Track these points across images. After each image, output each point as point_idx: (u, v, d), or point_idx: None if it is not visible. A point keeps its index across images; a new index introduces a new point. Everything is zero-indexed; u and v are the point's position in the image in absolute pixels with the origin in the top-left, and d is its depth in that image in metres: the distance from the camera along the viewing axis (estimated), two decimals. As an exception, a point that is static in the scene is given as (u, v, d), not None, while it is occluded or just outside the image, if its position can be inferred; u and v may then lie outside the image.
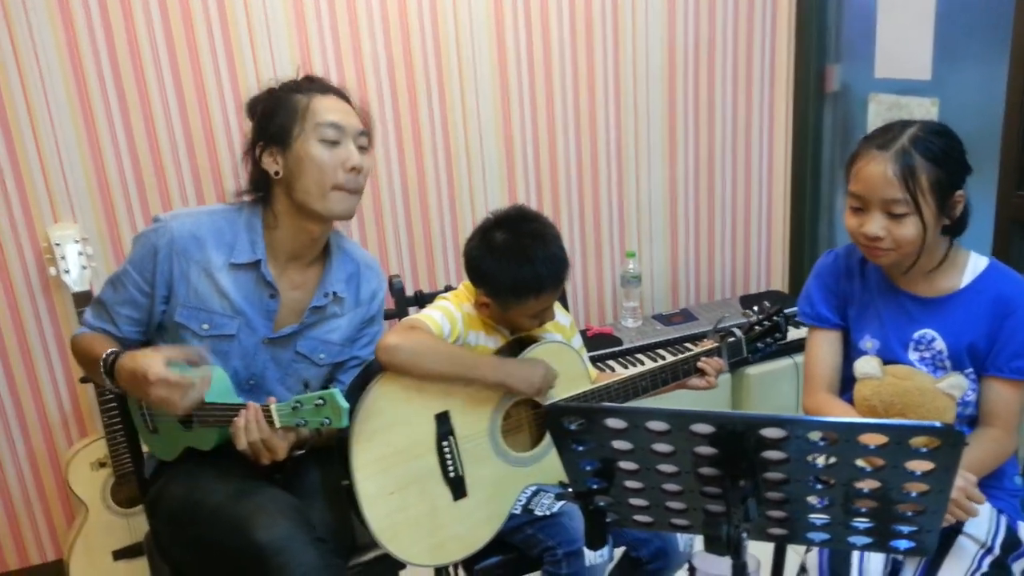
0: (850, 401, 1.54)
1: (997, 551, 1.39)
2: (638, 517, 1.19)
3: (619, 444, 1.07)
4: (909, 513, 1.02)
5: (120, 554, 2.19)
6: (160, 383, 1.32)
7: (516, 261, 1.54)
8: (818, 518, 1.08)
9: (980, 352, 1.42)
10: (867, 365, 1.45)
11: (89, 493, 2.16)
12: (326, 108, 1.50)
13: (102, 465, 2.16)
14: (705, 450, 1.03)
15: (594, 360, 2.49)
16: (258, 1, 2.18)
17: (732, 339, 1.72)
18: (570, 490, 1.18)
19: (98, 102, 2.13)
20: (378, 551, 1.55)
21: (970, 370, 1.44)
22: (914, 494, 0.99)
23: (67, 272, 2.12)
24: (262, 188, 1.55)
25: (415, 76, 2.38)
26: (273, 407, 1.38)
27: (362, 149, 1.53)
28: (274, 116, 1.49)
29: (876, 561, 1.38)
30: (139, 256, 1.51)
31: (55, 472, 2.30)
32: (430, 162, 2.46)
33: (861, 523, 1.06)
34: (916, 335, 1.45)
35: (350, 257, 1.66)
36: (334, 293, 1.60)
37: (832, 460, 0.97)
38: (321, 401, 1.35)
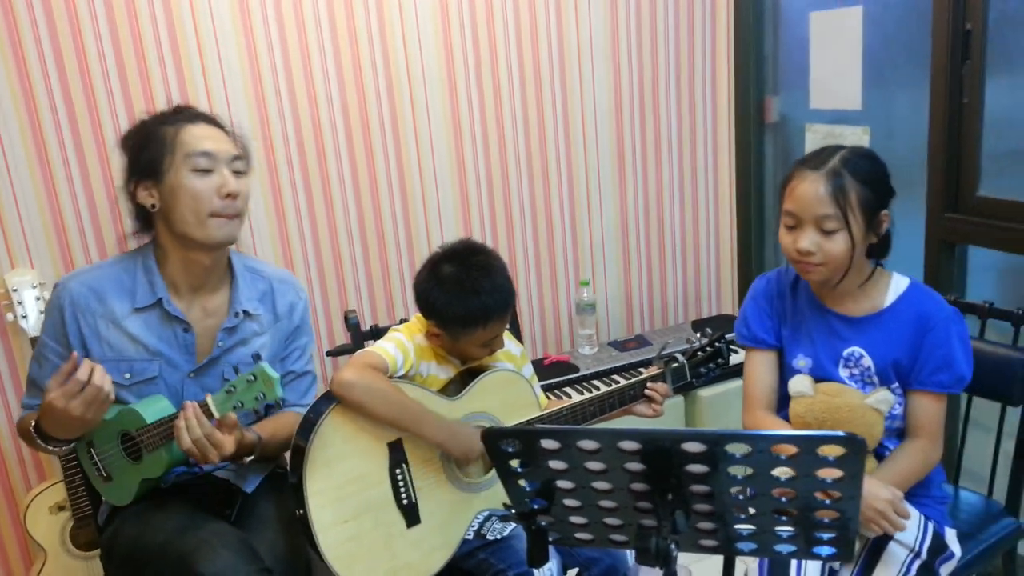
0: (787, 418, 1.61)
1: (924, 556, 1.46)
2: (579, 535, 1.24)
3: (555, 464, 1.12)
4: (826, 520, 1.08)
5: (79, 599, 2.18)
6: (68, 400, 1.38)
7: (463, 293, 1.60)
8: (744, 528, 1.14)
9: (904, 367, 1.50)
10: (800, 384, 1.52)
11: (48, 538, 2.15)
12: (195, 137, 1.53)
13: (61, 509, 2.16)
14: (634, 466, 1.09)
15: (551, 388, 2.56)
16: (211, 44, 2.24)
17: (675, 364, 1.78)
18: (513, 511, 1.22)
19: (55, 152, 2.16)
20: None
21: (896, 384, 1.52)
22: (828, 501, 1.05)
23: (24, 317, 2.13)
24: (144, 223, 1.58)
25: (369, 116, 2.45)
26: (209, 399, 1.43)
27: (238, 173, 1.57)
28: (144, 149, 1.53)
29: (814, 567, 1.44)
30: (49, 324, 1.57)
31: (12, 517, 2.29)
32: (386, 199, 2.52)
33: (784, 531, 1.13)
34: (845, 353, 1.53)
35: (260, 276, 1.70)
36: (245, 311, 1.64)
37: (750, 471, 1.03)
38: (252, 377, 1.40)
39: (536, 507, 1.20)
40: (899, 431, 1.55)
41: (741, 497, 1.08)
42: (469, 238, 1.73)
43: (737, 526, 1.14)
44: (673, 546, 1.08)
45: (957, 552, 1.52)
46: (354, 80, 2.41)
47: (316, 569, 1.61)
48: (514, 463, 1.14)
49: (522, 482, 1.17)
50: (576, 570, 1.69)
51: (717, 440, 1.01)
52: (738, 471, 1.04)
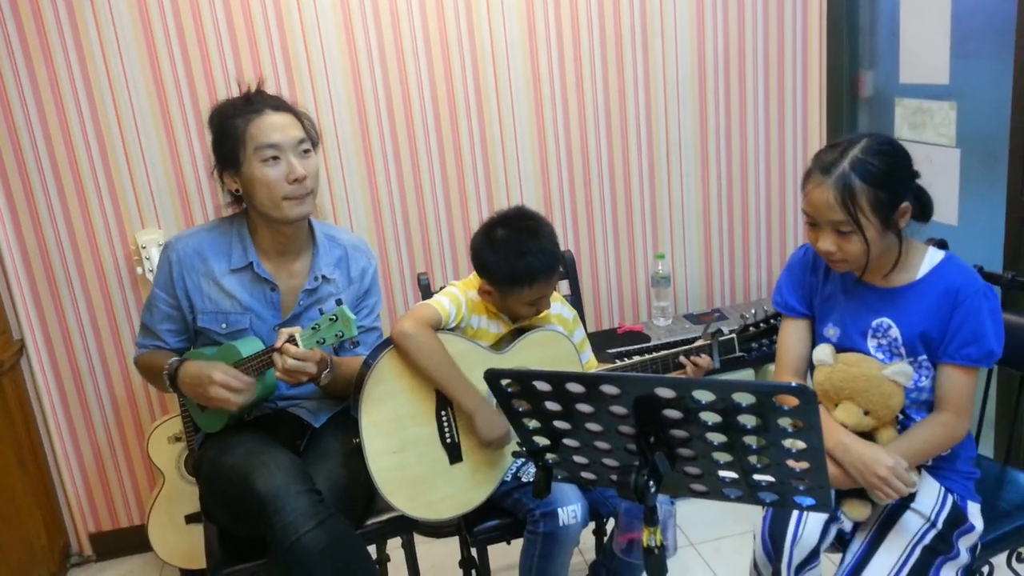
0: (817, 387, 1.65)
1: (940, 526, 1.48)
2: (584, 474, 1.36)
3: (551, 405, 1.25)
4: (798, 470, 1.15)
5: (190, 518, 2.50)
6: (220, 384, 1.64)
7: (511, 253, 1.74)
8: (727, 475, 1.23)
9: (933, 340, 1.51)
10: (821, 353, 1.57)
11: (166, 463, 2.48)
12: (261, 130, 1.72)
13: (177, 439, 2.48)
14: (619, 410, 1.20)
15: (618, 356, 2.65)
16: (312, 21, 2.46)
17: (723, 337, 1.85)
18: (524, 449, 1.36)
19: (179, 126, 2.46)
20: (394, 512, 1.77)
21: (924, 357, 1.53)
22: (794, 451, 1.12)
23: (151, 271, 2.46)
24: (234, 199, 1.81)
25: (455, 94, 2.61)
26: (297, 335, 1.65)
27: (305, 152, 1.76)
28: (222, 144, 1.75)
29: (813, 525, 1.50)
30: (160, 279, 1.83)
31: (140, 444, 2.64)
32: (469, 169, 2.69)
33: (763, 479, 1.20)
34: (874, 323, 1.56)
35: (336, 242, 1.91)
36: (323, 276, 1.86)
37: (718, 419, 1.12)
38: (334, 317, 1.61)
39: (541, 446, 1.34)
40: (928, 403, 1.56)
41: (715, 443, 1.17)
42: (522, 206, 1.87)
43: (720, 472, 1.23)
44: (652, 484, 1.19)
45: (979, 526, 1.52)
46: (440, 50, 2.57)
47: (380, 502, 1.80)
48: (516, 403, 1.28)
49: (526, 421, 1.31)
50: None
51: (684, 386, 1.11)
52: (708, 417, 1.14)
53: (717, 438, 1.17)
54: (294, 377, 1.67)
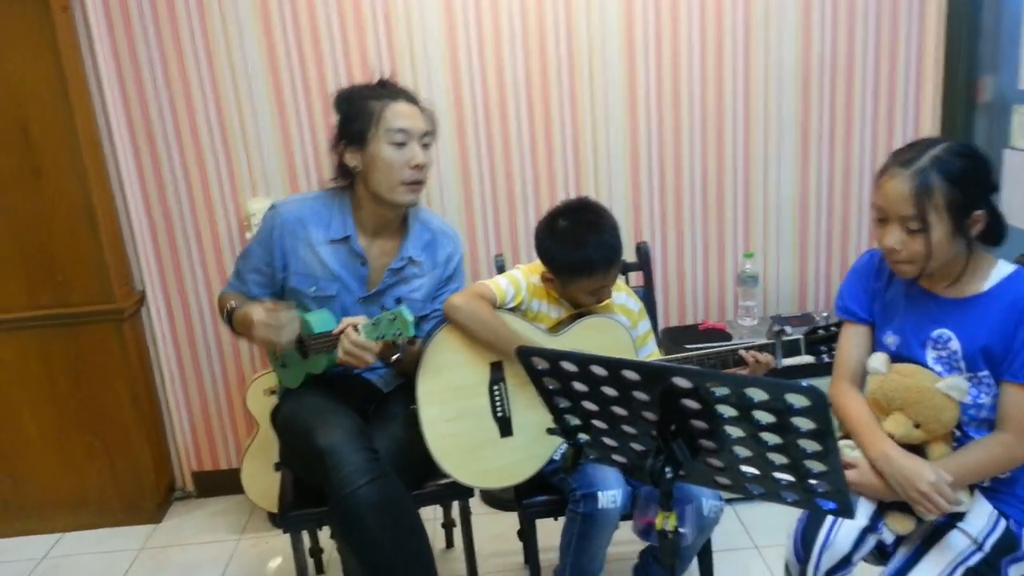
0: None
1: (987, 550, 1.43)
2: (614, 456, 1.41)
3: (578, 386, 1.30)
4: (815, 471, 1.16)
5: (278, 466, 2.68)
6: (261, 324, 1.78)
7: (571, 244, 1.80)
8: (748, 470, 1.24)
9: (995, 356, 1.46)
10: (875, 361, 1.54)
11: (260, 414, 2.68)
12: (396, 114, 1.83)
13: (272, 392, 2.67)
14: (641, 396, 1.23)
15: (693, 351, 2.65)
16: (418, 19, 2.58)
17: (787, 338, 1.83)
18: (557, 427, 1.42)
19: (290, 104, 2.64)
20: (450, 478, 1.87)
21: (985, 373, 1.48)
22: (810, 450, 1.13)
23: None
24: (344, 175, 1.92)
25: (549, 81, 2.67)
26: (360, 325, 1.77)
27: (425, 146, 1.87)
28: (354, 121, 1.86)
29: (846, 532, 1.48)
30: (260, 235, 1.97)
31: (241, 394, 2.87)
32: (559, 161, 2.74)
33: (783, 478, 1.22)
34: (934, 334, 1.52)
35: (427, 227, 2.00)
36: (410, 258, 1.96)
37: (734, 413, 1.14)
38: (393, 316, 1.72)
39: (572, 425, 1.39)
40: (988, 422, 1.50)
41: (735, 436, 1.19)
42: (586, 197, 1.92)
43: (742, 467, 1.25)
44: (668, 470, 1.22)
45: (1032, 554, 1.46)
46: (537, 39, 2.62)
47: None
48: (547, 381, 1.34)
49: (557, 399, 1.36)
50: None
51: (700, 377, 1.14)
52: (725, 411, 1.16)
53: (736, 432, 1.19)
54: (354, 361, 1.77)
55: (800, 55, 2.71)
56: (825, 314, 1.87)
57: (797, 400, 1.07)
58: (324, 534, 2.48)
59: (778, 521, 2.52)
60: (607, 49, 2.66)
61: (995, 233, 1.50)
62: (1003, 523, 1.47)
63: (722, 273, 2.90)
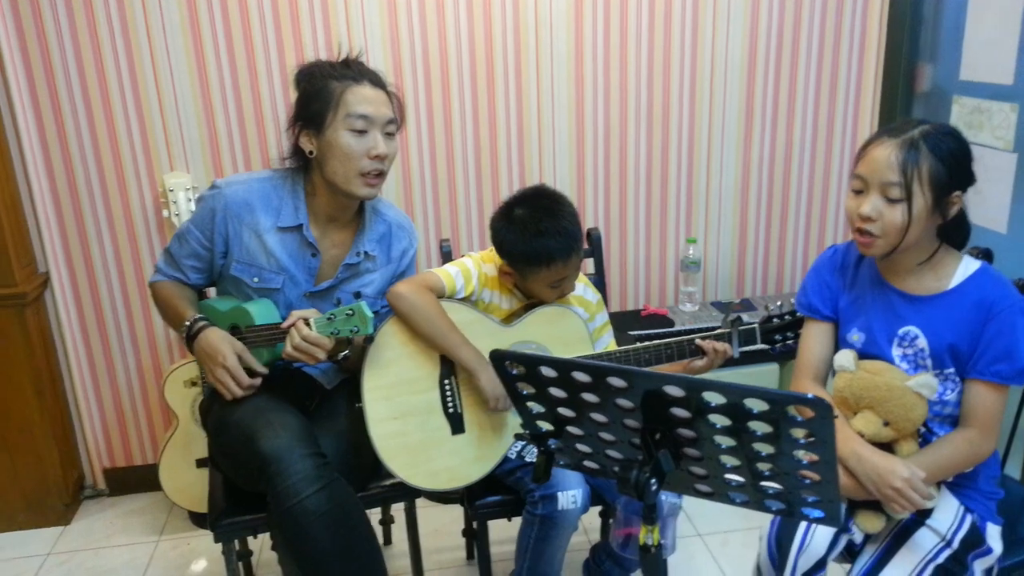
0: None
1: (956, 546, 1.43)
2: (586, 463, 1.33)
3: (556, 392, 1.21)
4: (807, 481, 1.11)
5: (201, 463, 2.52)
6: (227, 371, 1.66)
7: (529, 233, 1.70)
8: (733, 478, 1.18)
9: (961, 354, 1.45)
10: (843, 358, 1.50)
11: (180, 407, 2.49)
12: (358, 99, 1.66)
13: (193, 384, 2.49)
14: (625, 403, 1.15)
15: (640, 338, 2.60)
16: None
17: (743, 327, 1.79)
18: (527, 432, 1.32)
19: (213, 72, 2.43)
20: (397, 479, 1.76)
21: (952, 370, 1.47)
22: (805, 461, 1.07)
23: (177, 215, 2.45)
24: (299, 158, 1.76)
25: (494, 61, 2.54)
26: (312, 320, 1.62)
27: (389, 136, 1.71)
28: (312, 101, 1.68)
29: (822, 535, 1.45)
30: (200, 217, 1.78)
31: (158, 385, 2.66)
32: (503, 139, 2.63)
33: (770, 487, 1.16)
34: (900, 331, 1.49)
35: (383, 218, 1.86)
36: (366, 252, 1.81)
37: (728, 422, 1.08)
38: (351, 312, 1.58)
39: (544, 431, 1.30)
40: (952, 418, 1.49)
41: (724, 446, 1.12)
42: (543, 184, 1.82)
43: (727, 475, 1.18)
44: (653, 481, 1.15)
45: (997, 549, 1.47)
46: (482, 16, 2.50)
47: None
48: (521, 386, 1.24)
49: (531, 405, 1.27)
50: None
51: (694, 386, 1.06)
52: (718, 420, 1.09)
53: (725, 441, 1.12)
54: (302, 357, 1.64)
55: (746, 43, 2.67)
56: (780, 302, 1.84)
57: (801, 412, 1.01)
58: (255, 539, 2.33)
59: (719, 510, 2.52)
60: (554, 32, 2.55)
61: (961, 232, 1.49)
62: (969, 518, 1.47)
63: (664, 259, 2.86)
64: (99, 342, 2.62)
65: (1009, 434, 1.81)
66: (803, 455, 1.07)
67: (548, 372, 1.18)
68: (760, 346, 1.85)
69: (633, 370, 1.09)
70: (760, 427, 1.06)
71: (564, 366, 1.15)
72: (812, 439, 1.04)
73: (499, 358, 1.21)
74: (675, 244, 2.85)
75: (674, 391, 1.08)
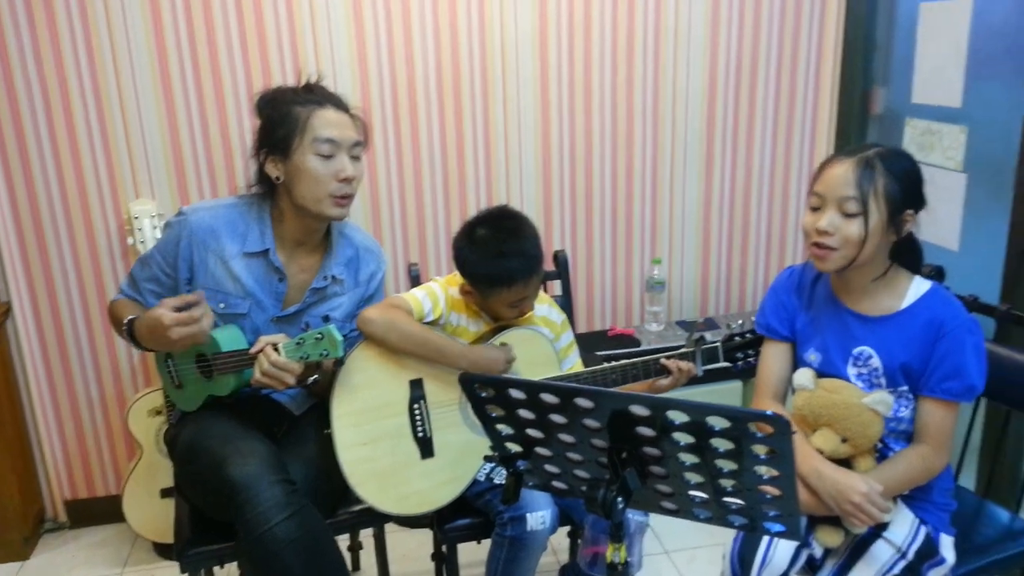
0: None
1: (911, 557, 1.47)
2: (555, 483, 1.35)
3: (524, 413, 1.23)
4: (768, 496, 1.14)
5: (166, 492, 2.49)
6: (175, 325, 1.58)
7: (490, 254, 1.72)
8: (697, 495, 1.21)
9: (914, 372, 1.49)
10: (801, 377, 1.55)
11: (145, 436, 2.47)
12: (323, 123, 1.68)
13: (157, 413, 2.46)
14: (592, 423, 1.18)
15: (607, 359, 2.63)
16: (323, 11, 2.43)
17: (706, 345, 1.83)
18: (496, 454, 1.34)
19: (179, 99, 2.43)
20: (366, 504, 1.76)
21: (905, 388, 1.51)
22: (766, 477, 1.10)
23: (142, 243, 2.44)
24: (265, 184, 1.76)
25: (461, 86, 2.58)
26: (280, 345, 1.62)
27: (355, 159, 1.72)
28: (277, 127, 1.69)
29: (783, 550, 1.48)
30: (164, 243, 1.78)
31: (121, 415, 2.63)
32: (470, 163, 2.66)
33: (733, 503, 1.19)
34: (855, 351, 1.54)
35: (350, 242, 1.87)
36: (333, 276, 1.82)
37: (691, 440, 1.10)
38: (320, 335, 1.58)
39: (513, 452, 1.32)
40: (907, 434, 1.54)
41: (688, 463, 1.15)
42: (506, 205, 1.85)
43: (691, 492, 1.21)
44: (620, 500, 1.17)
45: (950, 559, 1.51)
46: (449, 42, 2.54)
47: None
48: (490, 408, 1.26)
49: (500, 427, 1.29)
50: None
51: (659, 405, 1.09)
52: (682, 438, 1.12)
53: (689, 459, 1.15)
54: (271, 383, 1.63)
55: (706, 69, 2.74)
56: (741, 321, 1.88)
57: (761, 428, 1.04)
58: (221, 568, 2.30)
59: (686, 526, 2.55)
60: (520, 58, 2.60)
61: (914, 255, 1.55)
62: (923, 530, 1.51)
63: (630, 279, 2.91)
64: (61, 372, 2.58)
65: (962, 447, 1.87)
66: (764, 471, 1.10)
67: (517, 394, 1.20)
68: (723, 364, 1.89)
69: (599, 390, 1.12)
70: (722, 444, 1.09)
71: (532, 388, 1.18)
72: (772, 455, 1.07)
73: (468, 381, 1.22)
74: (640, 265, 2.89)
75: (639, 410, 1.11)
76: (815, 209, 1.50)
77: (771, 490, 1.12)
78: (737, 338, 1.86)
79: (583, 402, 1.15)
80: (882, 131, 2.80)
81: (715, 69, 2.75)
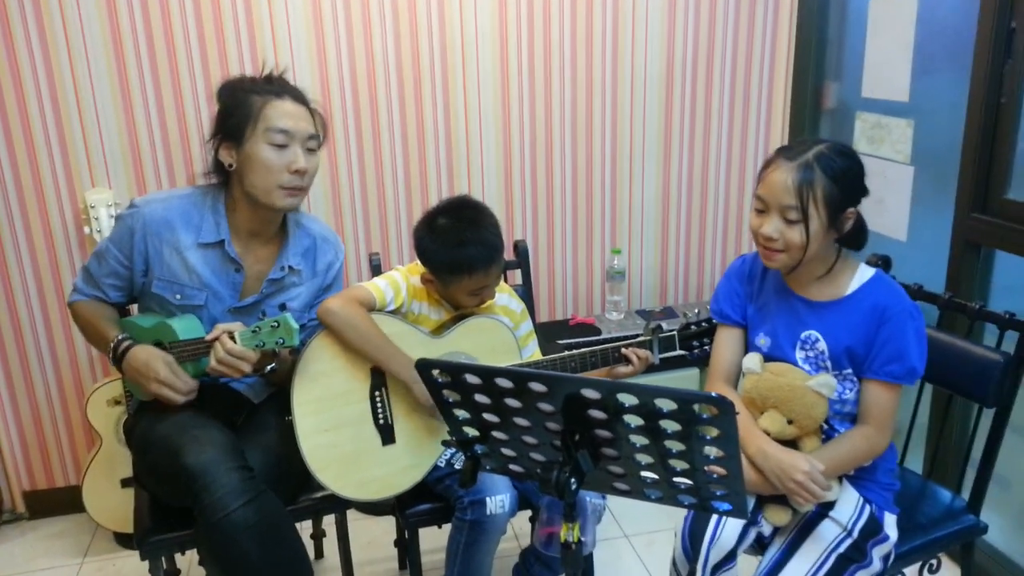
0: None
1: (856, 535, 1.53)
2: (511, 466, 1.38)
3: (480, 398, 1.26)
4: (715, 476, 1.18)
5: (126, 482, 2.48)
6: (163, 383, 1.65)
7: (451, 243, 1.74)
8: (648, 475, 1.25)
9: (858, 355, 1.55)
10: (750, 361, 1.60)
11: (104, 426, 2.45)
12: (279, 114, 1.70)
13: (117, 403, 2.45)
14: (546, 407, 1.21)
15: (569, 347, 2.67)
16: (280, 1, 2.44)
17: (663, 334, 1.87)
18: (453, 439, 1.37)
19: (136, 86, 2.41)
20: (327, 491, 1.78)
21: (849, 371, 1.57)
22: (712, 457, 1.15)
23: (99, 232, 2.41)
24: (219, 172, 1.77)
25: (421, 73, 2.59)
26: (236, 333, 1.63)
27: (310, 151, 1.74)
28: (231, 114, 1.70)
29: (731, 528, 1.53)
30: (118, 236, 1.78)
31: (80, 405, 2.61)
32: (432, 156, 2.68)
33: (682, 482, 1.23)
34: (803, 335, 1.60)
35: (307, 232, 1.88)
36: (290, 267, 1.83)
37: (641, 422, 1.14)
38: (276, 324, 1.60)
39: (470, 436, 1.35)
40: (852, 416, 1.60)
41: (638, 444, 1.19)
42: (467, 195, 1.88)
43: (643, 473, 1.25)
44: (573, 481, 1.21)
45: (892, 536, 1.57)
46: (409, 34, 2.55)
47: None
48: (447, 394, 1.28)
49: (456, 411, 1.32)
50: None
51: (610, 388, 1.12)
52: (632, 420, 1.15)
53: (640, 440, 1.19)
54: (227, 371, 1.65)
55: (663, 61, 2.79)
56: (697, 310, 1.93)
57: (706, 409, 1.08)
58: (182, 556, 2.30)
59: (645, 510, 2.60)
60: (480, 48, 2.62)
61: (859, 237, 1.60)
62: (868, 508, 1.57)
63: (591, 269, 2.95)
64: (17, 361, 2.55)
65: (907, 431, 1.94)
66: (709, 450, 1.14)
67: (472, 379, 1.23)
68: (679, 352, 1.94)
69: (553, 375, 1.15)
70: (670, 425, 1.13)
71: (487, 373, 1.20)
72: (718, 436, 1.11)
73: (425, 366, 1.25)
74: (601, 255, 2.94)
75: (591, 393, 1.14)
76: (760, 211, 1.54)
77: (718, 470, 1.17)
78: (693, 327, 1.91)
79: (537, 386, 1.18)
80: (834, 125, 2.87)
81: (671, 63, 2.80)
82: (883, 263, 2.00)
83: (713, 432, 1.11)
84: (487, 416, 1.29)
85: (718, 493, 1.22)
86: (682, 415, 1.11)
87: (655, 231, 2.97)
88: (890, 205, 2.54)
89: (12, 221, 2.43)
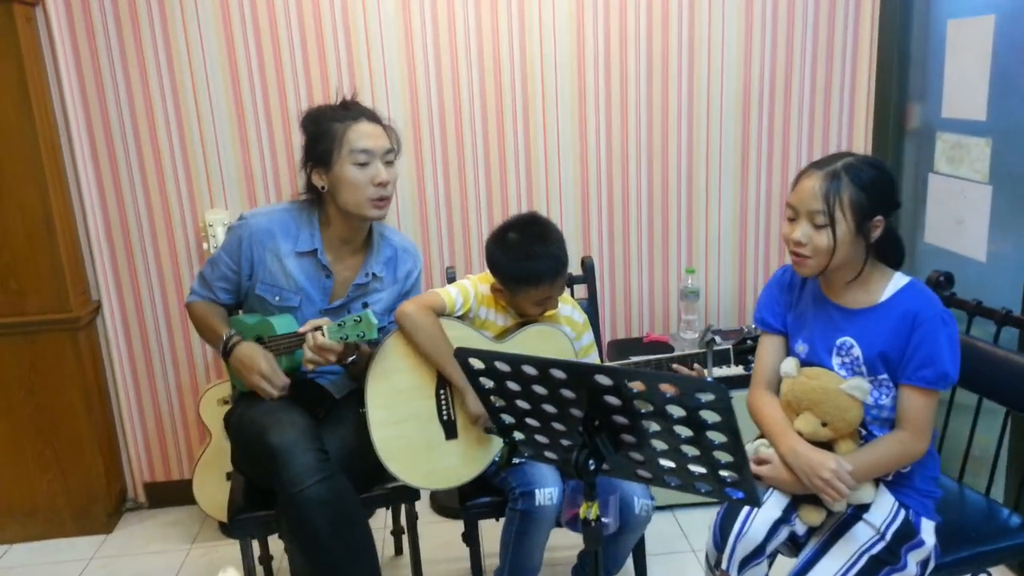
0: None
1: (888, 538, 1.55)
2: (546, 453, 1.50)
3: (512, 385, 1.39)
4: (723, 461, 1.26)
5: (230, 476, 2.73)
6: (263, 376, 1.89)
7: (520, 256, 1.90)
8: (665, 463, 1.34)
9: (892, 361, 1.59)
10: (786, 366, 1.66)
11: (214, 423, 2.72)
12: (359, 136, 1.92)
13: (225, 402, 2.72)
14: (567, 394, 1.33)
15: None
16: (377, 38, 2.68)
17: (717, 348, 1.95)
18: (495, 427, 1.50)
19: (250, 116, 2.72)
20: (398, 481, 1.94)
21: (885, 376, 1.61)
22: (717, 442, 1.23)
23: (216, 248, 2.71)
24: (313, 192, 2.01)
25: (503, 100, 2.78)
26: (325, 327, 1.85)
27: (388, 163, 1.96)
28: (318, 143, 1.95)
29: (759, 523, 1.59)
30: (229, 245, 2.05)
31: (195, 404, 2.90)
32: (512, 175, 2.85)
33: (696, 469, 1.32)
34: (838, 342, 1.64)
35: (389, 243, 2.10)
36: (373, 274, 2.05)
37: (650, 408, 1.24)
38: (358, 319, 1.82)
39: (507, 423, 1.48)
40: (890, 421, 1.63)
41: (651, 430, 1.29)
42: (535, 212, 2.04)
43: (660, 460, 1.35)
44: (591, 463, 1.32)
45: (929, 543, 1.58)
46: (492, 62, 2.74)
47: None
48: (484, 381, 1.42)
49: (493, 399, 1.45)
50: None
51: (619, 375, 1.24)
52: (642, 405, 1.26)
53: (652, 426, 1.29)
54: (315, 361, 1.86)
55: (740, 82, 2.86)
56: (754, 327, 1.99)
57: (704, 395, 1.17)
58: (275, 543, 2.53)
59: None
60: (559, 71, 2.78)
61: (894, 252, 1.64)
62: (903, 513, 1.59)
63: (666, 288, 3.03)
64: (143, 364, 2.88)
65: (992, 459, 1.91)
66: (715, 437, 1.23)
67: (502, 367, 1.36)
68: (736, 368, 1.99)
69: (568, 362, 1.28)
70: (676, 411, 1.23)
71: (515, 360, 1.34)
72: (719, 421, 1.20)
73: (464, 355, 1.40)
74: (676, 274, 3.01)
75: (604, 380, 1.25)
76: (791, 219, 1.61)
77: (724, 455, 1.25)
78: (749, 341, 1.96)
79: (557, 373, 1.30)
80: (916, 145, 2.85)
81: (748, 82, 2.86)
82: (945, 279, 2.01)
83: (714, 417, 1.20)
84: (519, 403, 1.42)
85: (728, 480, 1.30)
86: (684, 400, 1.20)
87: (732, 252, 3.02)
88: (969, 226, 2.51)
89: (143, 238, 2.77)
